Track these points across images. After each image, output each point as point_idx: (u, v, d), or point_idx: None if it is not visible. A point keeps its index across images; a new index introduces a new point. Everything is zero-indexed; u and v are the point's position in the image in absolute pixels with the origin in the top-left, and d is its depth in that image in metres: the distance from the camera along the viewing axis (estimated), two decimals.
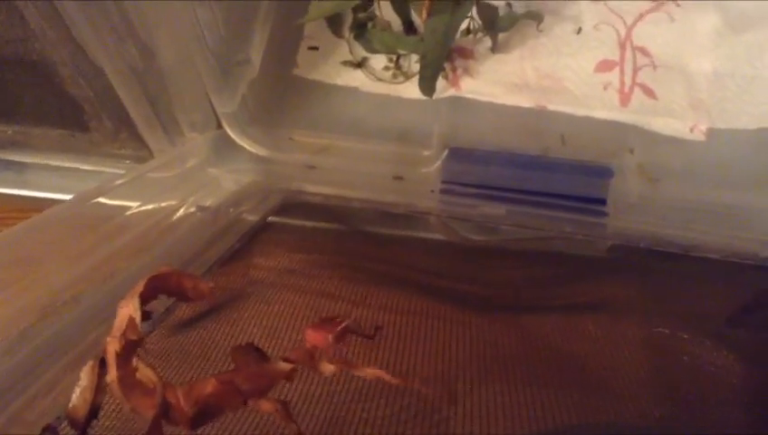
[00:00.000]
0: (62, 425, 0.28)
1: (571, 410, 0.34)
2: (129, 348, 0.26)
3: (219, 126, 0.58)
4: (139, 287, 0.27)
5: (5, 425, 0.31)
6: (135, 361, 0.27)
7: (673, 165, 0.53)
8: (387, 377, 0.27)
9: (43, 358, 0.34)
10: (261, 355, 0.28)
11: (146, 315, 0.28)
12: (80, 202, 0.41)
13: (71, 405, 0.27)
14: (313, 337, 0.25)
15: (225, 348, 0.39)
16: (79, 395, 0.27)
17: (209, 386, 0.26)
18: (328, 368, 0.26)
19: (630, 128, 0.53)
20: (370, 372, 0.26)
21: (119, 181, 0.44)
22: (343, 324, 0.25)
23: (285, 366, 0.26)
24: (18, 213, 0.57)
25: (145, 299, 0.27)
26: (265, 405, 0.26)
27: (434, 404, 0.34)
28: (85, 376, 0.27)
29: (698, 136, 0.53)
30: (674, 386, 0.37)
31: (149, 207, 0.48)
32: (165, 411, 0.25)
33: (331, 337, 0.25)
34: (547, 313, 0.44)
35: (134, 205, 0.46)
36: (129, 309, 0.26)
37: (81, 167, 0.61)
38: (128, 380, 0.26)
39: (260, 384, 0.26)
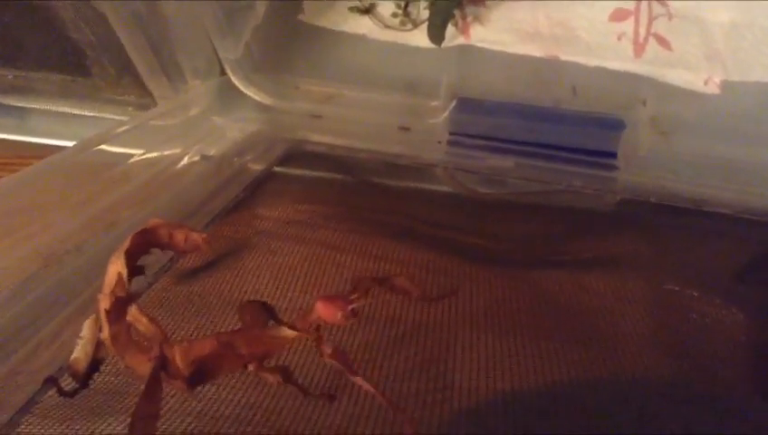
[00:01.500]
0: (64, 377, 0.27)
1: (576, 364, 0.34)
2: (120, 305, 0.26)
3: (223, 73, 0.57)
4: (127, 243, 0.26)
5: (7, 376, 0.31)
6: (135, 314, 0.26)
7: (686, 118, 0.52)
8: (378, 396, 0.26)
9: (46, 308, 0.34)
10: (268, 314, 0.27)
11: (139, 270, 0.27)
12: (81, 150, 0.40)
13: (72, 358, 0.27)
14: (323, 310, 0.25)
15: (229, 298, 0.39)
16: (80, 348, 0.27)
17: (208, 346, 0.25)
18: (326, 353, 0.25)
19: (644, 79, 0.52)
20: (365, 386, 0.26)
21: (121, 128, 0.43)
22: (354, 305, 0.25)
23: (290, 333, 0.25)
24: (19, 159, 0.56)
25: (134, 254, 0.26)
26: (266, 373, 0.26)
27: (438, 356, 0.34)
28: (87, 329, 0.27)
29: (712, 89, 0.52)
30: (680, 342, 0.37)
31: (152, 155, 0.47)
32: (163, 366, 0.25)
33: (340, 315, 0.25)
34: (554, 267, 0.44)
35: (137, 153, 0.45)
36: (117, 266, 0.26)
37: (82, 113, 0.61)
38: (121, 337, 0.26)
39: (261, 349, 0.25)
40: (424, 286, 0.41)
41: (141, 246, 0.27)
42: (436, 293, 0.38)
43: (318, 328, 0.25)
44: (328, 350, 0.25)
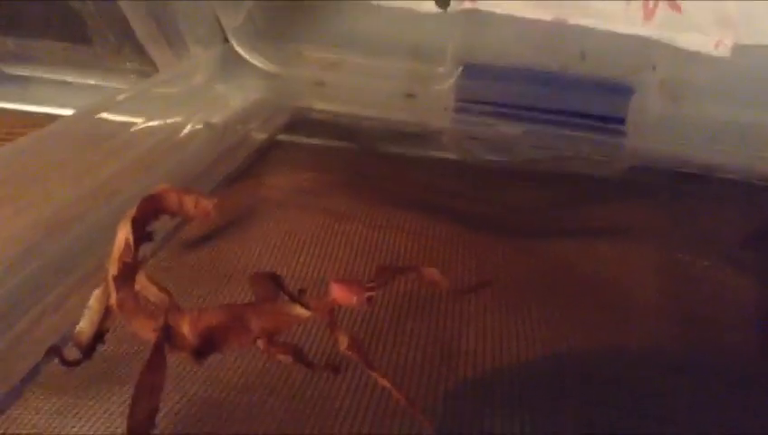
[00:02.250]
0: (68, 346, 0.27)
1: (585, 333, 0.34)
2: (127, 272, 0.25)
3: (225, 41, 0.56)
4: (134, 209, 0.26)
5: (11, 344, 0.30)
6: (143, 282, 0.26)
7: (696, 82, 0.51)
8: (395, 393, 0.26)
9: (49, 276, 0.33)
10: (280, 287, 0.27)
11: (148, 236, 0.27)
12: (83, 117, 0.40)
13: (78, 328, 0.27)
14: (338, 293, 0.24)
15: (234, 267, 0.38)
16: (87, 319, 0.27)
17: (218, 317, 0.25)
18: (342, 343, 0.25)
19: (653, 43, 0.51)
20: (381, 382, 0.25)
21: (122, 96, 0.43)
22: (371, 293, 0.24)
23: (303, 312, 0.25)
24: (21, 128, 0.56)
25: (142, 220, 0.26)
26: (275, 350, 0.25)
27: (444, 326, 0.34)
28: (95, 300, 0.27)
29: (723, 52, 0.51)
30: (691, 311, 0.36)
31: (154, 123, 0.47)
32: (168, 335, 0.24)
33: (355, 299, 0.24)
34: (562, 235, 0.43)
35: (139, 121, 0.45)
36: (124, 232, 0.25)
37: (84, 81, 0.60)
38: (128, 303, 0.25)
39: (272, 324, 0.25)
40: (430, 254, 0.40)
41: (149, 212, 0.27)
42: (468, 285, 0.37)
43: (332, 311, 0.25)
44: (344, 341, 0.25)
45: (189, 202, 0.26)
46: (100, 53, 0.60)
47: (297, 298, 0.26)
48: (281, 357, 0.26)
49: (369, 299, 0.24)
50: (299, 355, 0.26)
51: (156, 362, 0.24)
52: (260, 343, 0.25)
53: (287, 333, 0.28)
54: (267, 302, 0.26)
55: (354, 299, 0.24)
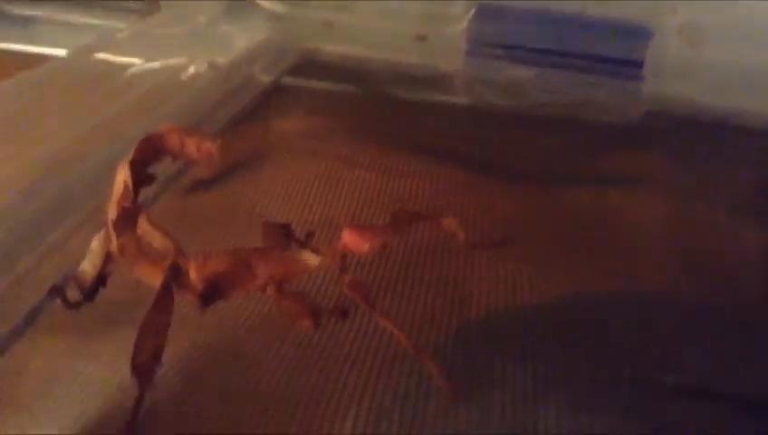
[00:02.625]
0: (69, 286, 0.27)
1: (597, 281, 0.33)
2: (127, 215, 0.25)
3: None
4: (132, 150, 0.25)
5: (13, 284, 0.30)
6: (145, 226, 0.25)
7: (718, 25, 0.49)
8: (403, 340, 0.25)
9: (50, 216, 0.33)
10: (291, 236, 0.26)
11: (149, 179, 0.26)
12: (82, 55, 0.38)
13: (79, 269, 0.26)
14: (350, 239, 0.23)
15: (238, 211, 0.38)
16: (88, 261, 0.26)
17: (225, 262, 0.24)
18: (344, 283, 0.24)
19: None
20: (386, 325, 0.25)
21: (121, 34, 0.41)
22: (382, 242, 0.23)
23: (313, 259, 0.24)
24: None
25: (142, 162, 0.25)
26: (283, 298, 0.24)
27: (454, 274, 0.33)
28: (96, 242, 0.26)
29: None
30: (706, 260, 0.36)
31: (157, 63, 0.46)
32: (176, 276, 0.24)
33: (367, 247, 0.23)
34: (576, 183, 0.42)
35: (141, 61, 0.44)
36: (122, 175, 0.25)
37: (88, 21, 0.59)
38: (130, 248, 0.24)
39: (281, 271, 0.24)
40: (440, 199, 0.40)
41: (149, 153, 0.26)
42: (482, 236, 0.37)
43: (343, 256, 0.24)
44: (346, 280, 0.24)
45: (191, 144, 0.25)
46: None
47: (307, 244, 0.25)
48: (288, 306, 0.25)
49: (384, 246, 0.23)
50: (306, 304, 0.26)
51: (163, 303, 0.23)
52: (269, 289, 0.24)
53: (297, 281, 0.28)
54: (276, 248, 0.25)
55: (366, 246, 0.23)
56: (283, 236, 0.27)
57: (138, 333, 0.22)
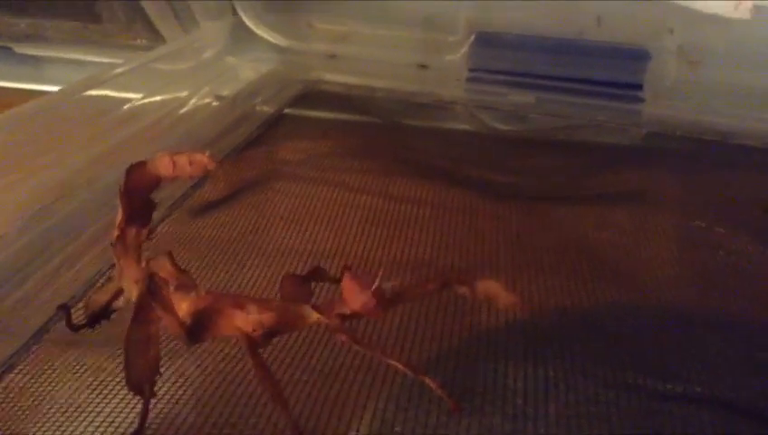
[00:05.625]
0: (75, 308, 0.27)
1: (598, 299, 0.33)
2: (124, 242, 0.25)
3: (235, 13, 0.56)
4: (123, 179, 0.25)
5: (21, 302, 0.31)
6: (161, 262, 0.25)
7: (715, 46, 0.50)
8: (401, 369, 0.24)
9: (58, 238, 0.33)
10: (309, 290, 0.26)
11: (149, 206, 0.26)
12: (86, 86, 0.39)
13: (91, 297, 0.27)
14: (348, 288, 0.22)
15: (241, 239, 0.38)
16: (104, 290, 0.27)
17: (220, 302, 0.23)
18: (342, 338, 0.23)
19: (671, 6, 0.49)
20: (392, 363, 0.24)
21: (120, 69, 0.42)
22: (376, 285, 0.22)
23: (310, 316, 0.23)
24: None
25: (136, 190, 0.25)
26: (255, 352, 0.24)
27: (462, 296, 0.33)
28: (117, 275, 0.26)
29: (743, 14, 0.49)
30: (707, 278, 0.36)
31: (165, 95, 0.46)
32: (153, 287, 0.23)
33: (369, 296, 0.22)
34: (578, 203, 0.42)
35: (149, 93, 0.45)
36: (119, 203, 0.25)
37: (96, 59, 0.60)
38: (131, 274, 0.25)
39: (273, 322, 0.23)
40: (443, 224, 0.40)
41: (142, 180, 0.26)
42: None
43: (343, 318, 0.23)
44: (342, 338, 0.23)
45: (182, 160, 0.26)
46: (110, 30, 0.60)
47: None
48: (254, 360, 0.24)
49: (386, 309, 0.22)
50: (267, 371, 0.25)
51: (142, 315, 0.23)
52: (254, 335, 0.23)
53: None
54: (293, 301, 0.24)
55: (368, 308, 0.22)
56: (302, 288, 0.26)
57: (123, 350, 0.22)
